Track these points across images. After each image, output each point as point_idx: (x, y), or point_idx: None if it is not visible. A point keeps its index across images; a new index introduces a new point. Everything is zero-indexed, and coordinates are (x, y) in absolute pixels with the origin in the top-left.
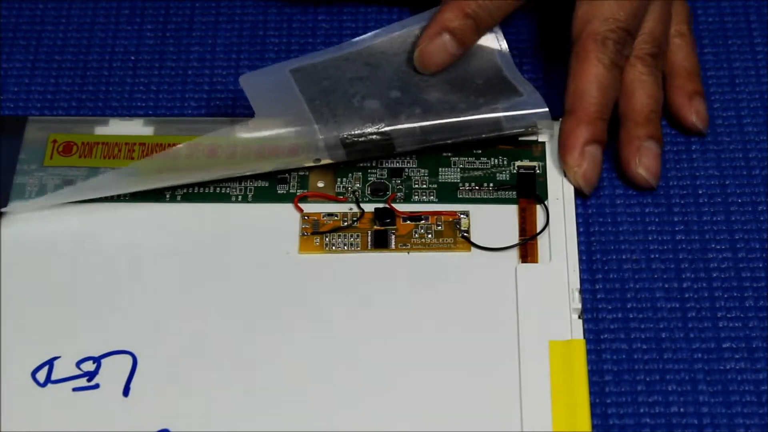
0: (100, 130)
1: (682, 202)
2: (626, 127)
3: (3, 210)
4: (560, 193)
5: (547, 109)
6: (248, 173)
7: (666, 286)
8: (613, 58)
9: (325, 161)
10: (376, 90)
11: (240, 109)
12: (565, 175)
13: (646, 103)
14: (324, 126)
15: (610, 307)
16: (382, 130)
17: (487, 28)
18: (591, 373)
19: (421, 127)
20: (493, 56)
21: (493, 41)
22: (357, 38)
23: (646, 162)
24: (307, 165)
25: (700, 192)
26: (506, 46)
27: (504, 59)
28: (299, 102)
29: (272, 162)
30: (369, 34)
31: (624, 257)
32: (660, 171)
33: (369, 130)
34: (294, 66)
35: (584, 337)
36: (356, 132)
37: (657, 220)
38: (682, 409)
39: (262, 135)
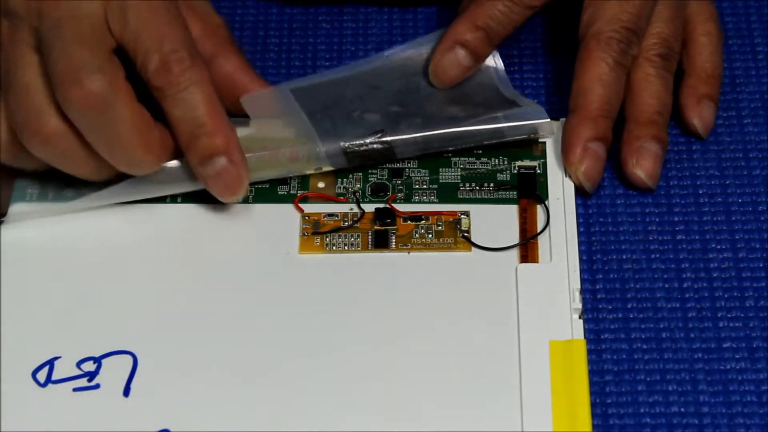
0: None
1: (683, 202)
2: (628, 127)
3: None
4: (561, 192)
5: (548, 120)
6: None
7: (666, 286)
8: (617, 57)
9: (326, 168)
10: (377, 106)
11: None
12: (567, 174)
13: (650, 103)
14: (325, 136)
15: (610, 307)
16: (383, 138)
17: (500, 40)
18: (591, 373)
19: (422, 134)
20: (492, 80)
21: (490, 64)
22: (358, 61)
23: (644, 163)
24: (308, 173)
25: (701, 192)
26: (502, 65)
27: (500, 79)
28: (299, 114)
29: (273, 170)
30: (369, 57)
31: (624, 257)
32: (659, 173)
33: (370, 139)
34: (294, 86)
35: (585, 337)
36: (357, 141)
37: (657, 220)
38: (682, 409)
39: (263, 147)
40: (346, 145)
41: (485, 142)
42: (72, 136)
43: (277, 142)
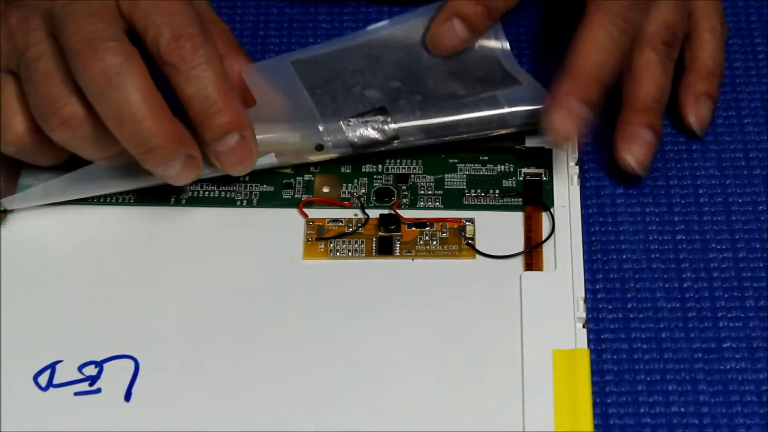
0: None
1: (683, 201)
2: (624, 112)
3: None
4: (566, 200)
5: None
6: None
7: (667, 285)
8: (618, 23)
9: (328, 154)
10: (377, 81)
11: None
12: (571, 180)
13: (649, 90)
14: (325, 111)
15: (610, 307)
16: (382, 116)
17: (500, 14)
18: (592, 373)
19: (421, 110)
20: (494, 52)
21: (493, 37)
22: (358, 31)
23: (636, 150)
24: (312, 159)
25: (701, 192)
26: (505, 39)
27: (504, 55)
28: (300, 90)
29: (275, 149)
30: (370, 27)
31: (624, 257)
32: (650, 161)
33: (369, 116)
34: (295, 58)
35: (587, 340)
36: (356, 118)
37: (657, 219)
38: (682, 409)
39: (265, 128)
40: (346, 119)
41: (489, 132)
42: (91, 119)
43: (281, 135)
